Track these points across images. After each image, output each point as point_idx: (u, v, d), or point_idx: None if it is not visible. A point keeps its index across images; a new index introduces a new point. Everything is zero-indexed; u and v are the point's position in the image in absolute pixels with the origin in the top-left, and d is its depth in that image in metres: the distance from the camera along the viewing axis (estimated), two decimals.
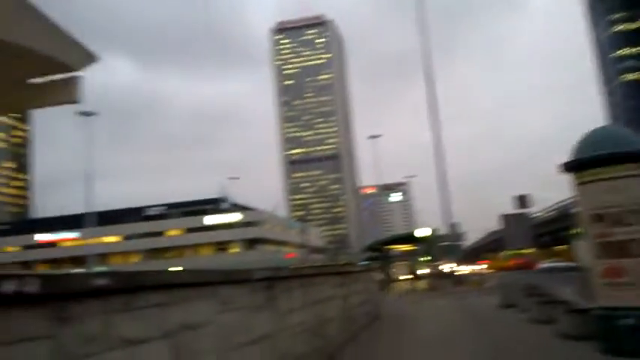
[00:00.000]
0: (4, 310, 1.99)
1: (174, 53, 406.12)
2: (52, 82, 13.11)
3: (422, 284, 29.80)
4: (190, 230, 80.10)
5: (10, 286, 1.96)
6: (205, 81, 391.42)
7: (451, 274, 32.78)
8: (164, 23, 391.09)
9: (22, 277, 2.02)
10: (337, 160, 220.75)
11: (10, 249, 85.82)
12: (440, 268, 32.59)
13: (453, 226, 34.23)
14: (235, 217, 78.51)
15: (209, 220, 79.98)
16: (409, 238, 33.01)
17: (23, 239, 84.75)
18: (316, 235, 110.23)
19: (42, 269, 79.14)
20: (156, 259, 76.80)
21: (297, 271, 7.34)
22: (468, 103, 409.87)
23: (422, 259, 33.24)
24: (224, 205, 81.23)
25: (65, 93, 13.29)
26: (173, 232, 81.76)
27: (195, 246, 79.40)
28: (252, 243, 77.19)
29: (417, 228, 38.05)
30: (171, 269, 4.73)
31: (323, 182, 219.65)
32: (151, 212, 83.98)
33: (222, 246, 79.11)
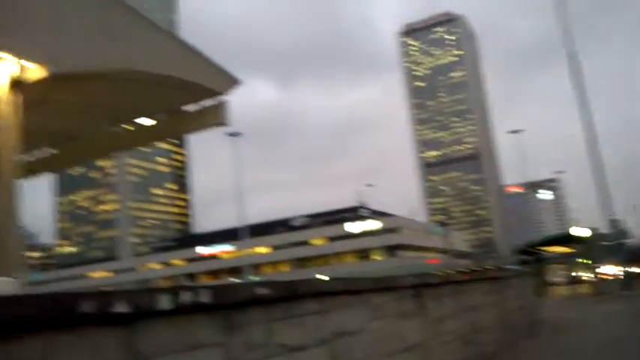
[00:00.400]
0: (184, 318, 2.18)
1: (306, 68, 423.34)
2: (203, 107, 14.43)
3: (584, 288, 27.39)
4: (333, 239, 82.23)
5: (187, 297, 2.14)
6: (337, 92, 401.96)
7: (617, 276, 29.55)
8: (295, 40, 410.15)
9: (196, 289, 2.20)
10: (477, 160, 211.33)
11: (177, 262, 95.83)
12: (603, 270, 29.55)
13: (614, 223, 30.84)
14: (375, 224, 78.92)
15: (350, 228, 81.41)
16: (565, 239, 30.46)
17: (187, 253, 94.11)
18: (459, 240, 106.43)
19: (205, 280, 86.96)
20: (302, 267, 79.99)
21: (444, 278, 7.12)
22: (622, 89, 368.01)
23: (581, 260, 30.47)
24: (363, 213, 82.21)
25: (215, 117, 14.58)
26: (317, 241, 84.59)
27: (338, 254, 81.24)
28: (392, 250, 76.92)
29: (572, 227, 34.88)
30: (318, 277, 4.86)
31: (463, 184, 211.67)
32: (296, 223, 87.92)
33: (363, 253, 79.96)
